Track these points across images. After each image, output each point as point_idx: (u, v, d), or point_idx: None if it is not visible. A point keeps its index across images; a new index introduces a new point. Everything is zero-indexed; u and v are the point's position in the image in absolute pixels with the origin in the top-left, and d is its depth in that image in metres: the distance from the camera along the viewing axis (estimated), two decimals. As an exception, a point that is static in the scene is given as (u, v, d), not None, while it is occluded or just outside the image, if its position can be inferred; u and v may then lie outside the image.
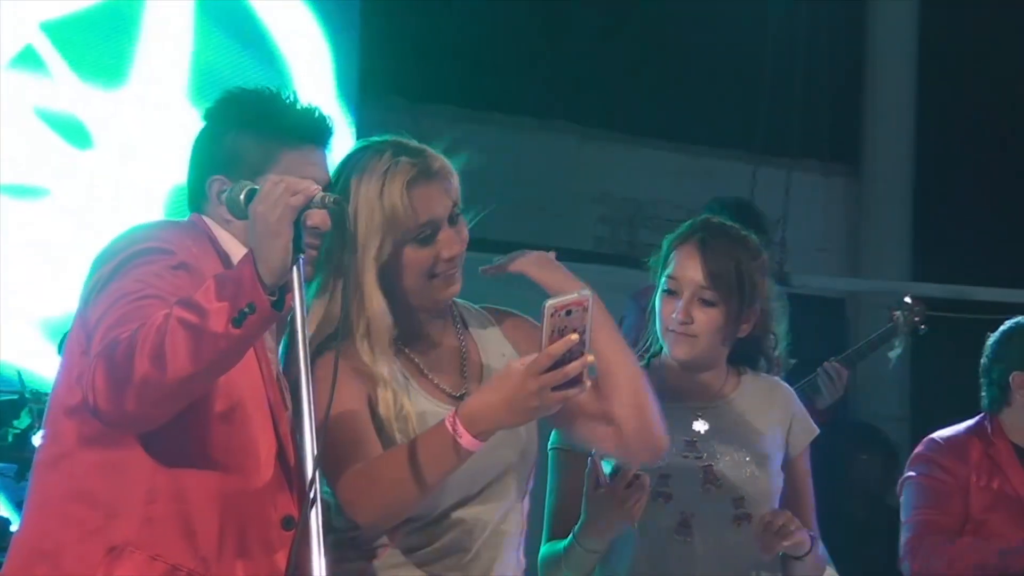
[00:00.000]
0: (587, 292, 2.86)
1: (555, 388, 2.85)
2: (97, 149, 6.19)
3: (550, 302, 2.83)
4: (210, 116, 3.04)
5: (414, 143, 3.20)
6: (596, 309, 2.89)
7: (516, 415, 2.89)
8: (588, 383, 2.87)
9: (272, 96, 3.02)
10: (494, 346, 3.27)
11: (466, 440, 2.90)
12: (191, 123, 3.41)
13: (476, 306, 3.32)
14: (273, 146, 2.95)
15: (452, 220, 3.15)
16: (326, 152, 3.03)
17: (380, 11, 7.66)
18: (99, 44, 6.13)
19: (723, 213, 4.10)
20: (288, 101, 3.01)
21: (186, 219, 3.03)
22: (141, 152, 6.20)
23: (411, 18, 8.14)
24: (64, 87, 6.07)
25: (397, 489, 2.94)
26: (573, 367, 2.83)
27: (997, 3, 9.40)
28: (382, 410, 3.07)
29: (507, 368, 2.96)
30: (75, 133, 6.13)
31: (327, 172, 3.02)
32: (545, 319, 2.82)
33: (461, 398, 3.12)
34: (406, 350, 3.17)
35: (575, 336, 2.82)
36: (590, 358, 2.85)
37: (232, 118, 3.00)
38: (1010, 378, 5.14)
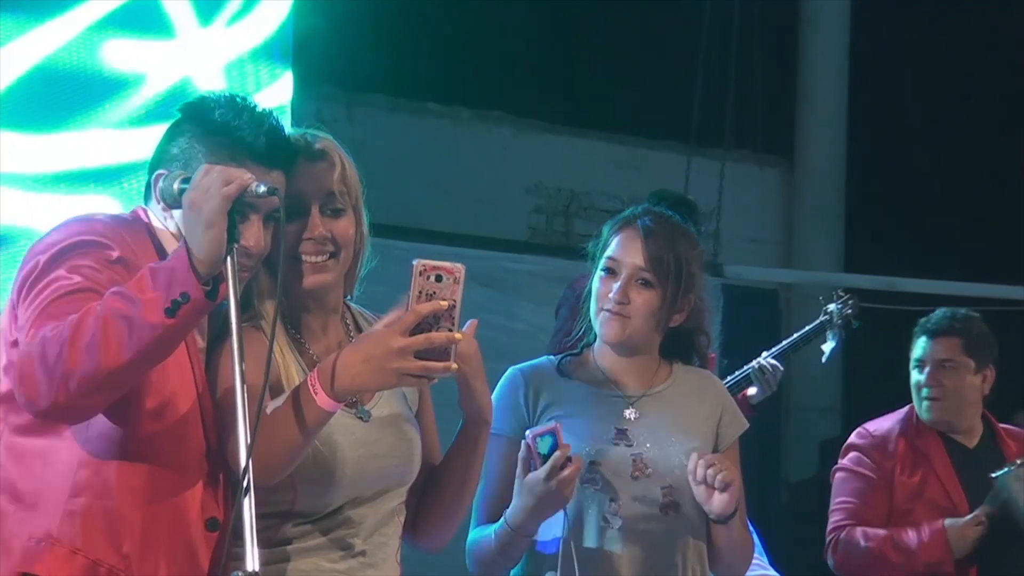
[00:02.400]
0: (460, 265, 2.82)
1: (419, 357, 2.79)
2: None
3: (419, 260, 2.79)
4: (176, 114, 3.02)
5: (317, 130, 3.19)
6: None
7: (375, 375, 2.82)
8: (455, 366, 2.83)
9: (238, 109, 2.97)
10: None
11: (321, 399, 2.85)
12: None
13: (372, 314, 3.33)
14: (223, 155, 2.91)
15: (325, 209, 3.13)
16: (283, 173, 2.99)
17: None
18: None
19: (661, 206, 4.12)
20: (251, 117, 2.96)
21: (128, 212, 3.01)
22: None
23: (345, 7, 8.11)
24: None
25: (267, 447, 2.85)
26: (439, 335, 2.78)
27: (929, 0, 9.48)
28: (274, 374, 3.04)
29: (370, 327, 2.95)
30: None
31: (279, 189, 2.95)
32: (413, 277, 2.78)
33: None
34: (298, 337, 3.16)
35: (444, 303, 2.78)
36: (458, 335, 2.81)
37: (191, 121, 2.98)
38: None
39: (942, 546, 4.98)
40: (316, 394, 2.85)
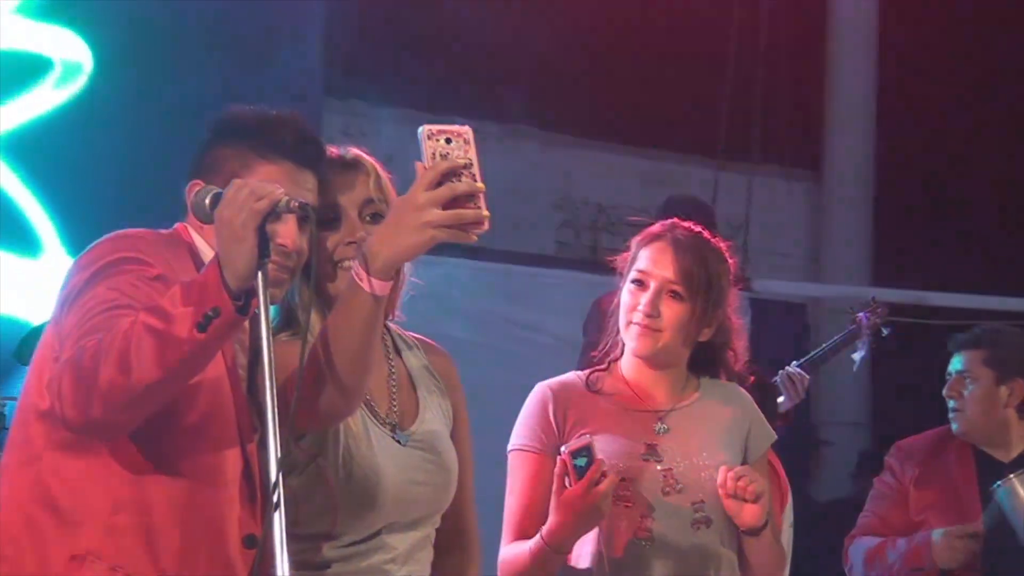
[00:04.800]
0: (467, 126, 2.76)
1: (447, 208, 2.71)
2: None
3: (424, 125, 2.74)
4: (207, 127, 3.04)
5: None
6: None
7: (408, 234, 2.72)
8: (486, 212, 2.72)
9: (264, 112, 3.00)
10: (423, 374, 3.29)
11: (368, 283, 2.79)
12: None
13: (412, 334, 3.32)
14: (250, 156, 2.94)
15: (364, 214, 3.14)
16: (315, 176, 3.00)
17: (343, 14, 7.66)
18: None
19: (676, 209, 4.11)
20: (279, 118, 2.99)
21: (170, 229, 3.02)
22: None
23: (373, 22, 8.13)
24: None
25: (338, 358, 2.84)
26: (461, 184, 2.70)
27: (957, 11, 9.46)
28: None
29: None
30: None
31: (312, 194, 2.98)
32: (423, 141, 2.73)
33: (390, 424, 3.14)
34: None
35: (461, 160, 2.71)
36: (481, 185, 2.72)
37: (222, 128, 3.01)
38: None
39: (925, 554, 4.99)
40: (362, 281, 2.79)
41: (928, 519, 5.11)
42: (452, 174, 2.71)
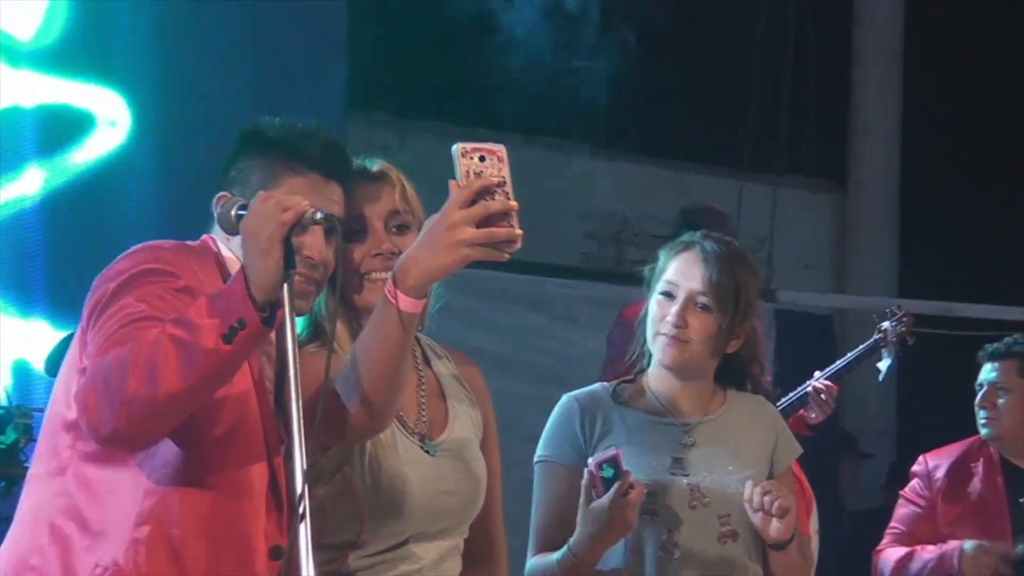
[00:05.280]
0: (501, 145, 2.75)
1: (480, 226, 2.70)
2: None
3: (458, 143, 2.72)
4: (235, 139, 3.05)
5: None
6: None
7: (441, 253, 2.71)
8: (519, 231, 2.71)
9: (291, 124, 3.00)
10: (452, 383, 3.28)
11: (401, 301, 2.77)
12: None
13: (441, 345, 3.32)
14: (279, 169, 2.94)
15: (390, 225, 3.14)
16: (342, 187, 3.00)
17: (366, 26, 7.67)
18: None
19: (694, 219, 4.10)
20: (306, 130, 2.99)
21: (197, 240, 3.03)
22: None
23: (397, 33, 8.14)
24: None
25: (367, 376, 2.83)
26: (495, 203, 2.69)
27: (982, 22, 9.44)
28: None
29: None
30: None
31: (339, 206, 2.98)
32: (457, 159, 2.71)
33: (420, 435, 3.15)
34: None
35: (495, 179, 2.70)
36: (514, 204, 2.71)
37: (249, 140, 3.01)
38: None
39: (954, 563, 4.98)
40: (396, 299, 2.77)
41: (956, 531, 5.10)
42: (486, 192, 2.70)
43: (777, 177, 9.41)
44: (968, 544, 4.98)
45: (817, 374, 5.61)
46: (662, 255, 3.75)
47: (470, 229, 2.69)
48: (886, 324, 5.89)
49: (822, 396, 5.48)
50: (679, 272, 3.68)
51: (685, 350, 3.66)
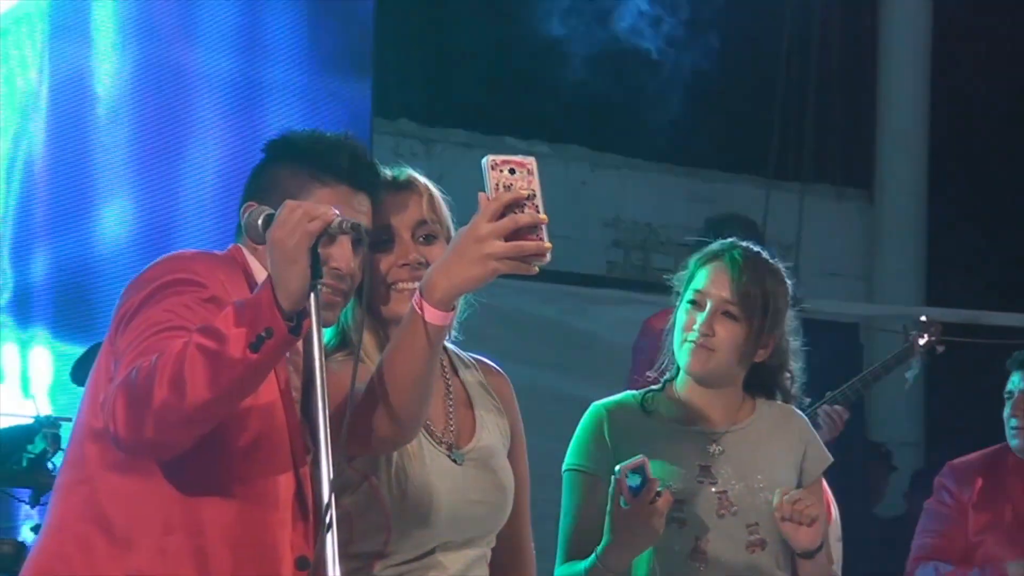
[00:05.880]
0: (531, 157, 2.74)
1: (509, 239, 2.68)
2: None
3: (488, 156, 2.71)
4: (263, 149, 3.05)
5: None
6: None
7: (469, 265, 2.70)
8: (548, 244, 2.70)
9: (319, 135, 3.01)
10: (480, 392, 3.28)
11: (428, 313, 2.76)
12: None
13: (469, 355, 3.32)
14: (307, 179, 2.94)
15: (417, 235, 3.14)
16: (369, 198, 3.00)
17: (393, 35, 7.68)
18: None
19: (719, 228, 4.09)
20: (334, 141, 2.99)
21: (225, 250, 3.03)
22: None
23: (424, 43, 8.16)
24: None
25: (393, 388, 2.83)
26: (524, 216, 2.67)
27: (1010, 29, 9.42)
28: None
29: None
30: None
31: (366, 216, 2.97)
32: (487, 172, 2.70)
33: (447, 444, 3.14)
34: None
35: (524, 192, 2.69)
36: (544, 217, 2.69)
37: (277, 150, 3.02)
38: None
39: None
40: (423, 311, 2.77)
41: (986, 540, 5.08)
42: (515, 205, 2.69)
43: (803, 185, 9.38)
44: (1013, 566, 4.97)
45: (828, 395, 5.63)
46: (691, 264, 3.75)
47: (499, 242, 2.67)
48: (914, 333, 5.88)
49: (831, 418, 5.50)
50: (708, 281, 3.68)
51: (711, 358, 3.65)
